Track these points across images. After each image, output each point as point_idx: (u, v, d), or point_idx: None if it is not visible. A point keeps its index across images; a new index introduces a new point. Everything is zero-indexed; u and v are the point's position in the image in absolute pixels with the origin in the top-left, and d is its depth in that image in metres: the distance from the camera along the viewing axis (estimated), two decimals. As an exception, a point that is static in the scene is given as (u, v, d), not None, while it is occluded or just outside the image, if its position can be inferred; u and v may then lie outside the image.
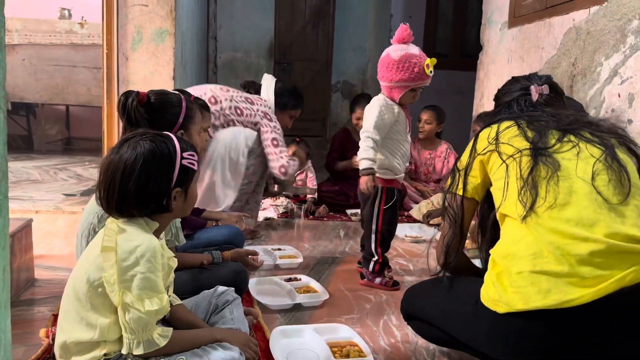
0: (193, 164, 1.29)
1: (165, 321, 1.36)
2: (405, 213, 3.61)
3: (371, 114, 2.10)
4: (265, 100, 2.94)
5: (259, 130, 2.81)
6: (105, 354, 1.23)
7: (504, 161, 1.30)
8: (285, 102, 3.00)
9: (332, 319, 1.83)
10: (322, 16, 6.63)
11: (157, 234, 1.29)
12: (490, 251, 1.28)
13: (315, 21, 6.71)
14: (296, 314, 1.89)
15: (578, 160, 1.24)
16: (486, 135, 1.40)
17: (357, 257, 2.59)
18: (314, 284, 2.10)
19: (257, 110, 2.84)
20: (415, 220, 3.42)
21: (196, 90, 2.68)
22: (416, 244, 2.90)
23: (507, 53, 3.61)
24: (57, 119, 5.86)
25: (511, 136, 1.34)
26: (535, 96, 1.49)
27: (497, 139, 1.36)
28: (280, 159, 2.78)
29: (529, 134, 1.32)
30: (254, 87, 3.04)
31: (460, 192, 1.43)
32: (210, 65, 6.46)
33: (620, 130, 1.34)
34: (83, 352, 1.23)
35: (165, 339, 1.22)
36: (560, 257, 1.12)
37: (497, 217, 1.32)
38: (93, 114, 5.35)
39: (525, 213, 1.19)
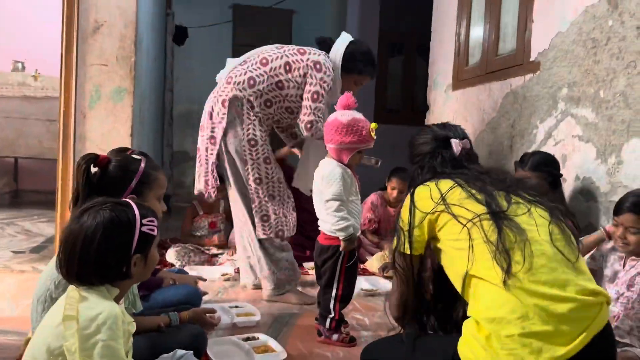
0: (152, 230, 1.33)
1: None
2: (361, 265, 3.68)
3: (335, 180, 2.18)
4: (326, 55, 2.74)
5: (304, 82, 2.67)
6: None
7: (464, 225, 1.37)
8: (352, 66, 2.75)
9: (290, 378, 1.85)
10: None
11: (117, 300, 1.32)
12: (471, 313, 1.34)
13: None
14: (255, 374, 1.90)
15: (535, 220, 1.36)
16: (428, 195, 1.47)
17: (315, 313, 2.62)
18: (272, 343, 2.12)
19: (307, 59, 2.68)
20: (370, 273, 3.49)
21: (253, 53, 2.78)
22: (371, 297, 2.96)
23: (451, 113, 3.85)
24: (5, 171, 5.70)
25: (461, 198, 1.43)
26: (457, 150, 1.59)
27: (444, 199, 1.44)
28: (312, 114, 2.64)
29: (479, 196, 1.41)
30: (327, 44, 2.81)
31: (407, 252, 1.51)
32: (166, 117, 6.50)
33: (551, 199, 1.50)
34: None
35: None
36: (545, 318, 1.22)
37: (461, 278, 1.38)
38: (43, 166, 5.25)
39: (505, 278, 1.27)
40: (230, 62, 2.91)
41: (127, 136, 3.28)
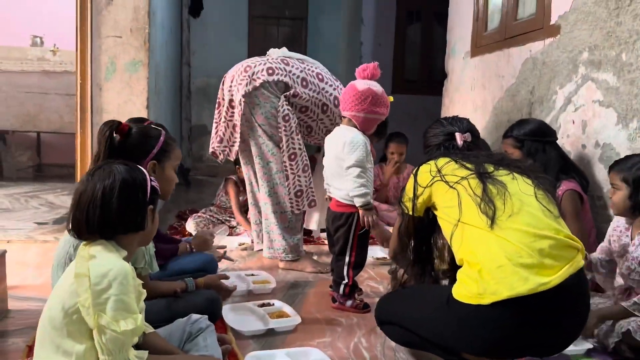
0: (158, 187, 1.42)
1: (139, 348, 1.40)
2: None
3: (359, 147, 2.17)
4: None
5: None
6: (82, 382, 1.27)
7: (451, 186, 1.57)
8: None
9: (304, 343, 1.89)
10: (294, 43, 6.78)
11: (126, 260, 1.35)
12: (462, 256, 1.50)
13: (288, 48, 6.85)
14: (269, 339, 1.94)
15: (518, 182, 1.53)
16: (428, 169, 1.68)
17: (329, 281, 2.65)
18: (287, 309, 2.16)
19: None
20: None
21: (309, 60, 2.86)
22: (386, 265, 2.97)
23: (469, 81, 3.78)
24: (28, 146, 5.82)
25: (453, 168, 1.62)
26: (460, 142, 1.81)
27: (439, 171, 1.63)
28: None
29: (468, 165, 1.60)
30: None
31: (410, 213, 1.72)
32: (184, 91, 6.53)
33: (540, 173, 1.64)
34: (60, 381, 1.27)
35: None
36: (529, 252, 1.38)
37: (452, 228, 1.54)
38: (65, 140, 5.34)
39: (491, 222, 1.44)
40: (285, 51, 2.91)
41: (143, 108, 3.31)
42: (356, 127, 2.24)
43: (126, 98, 3.28)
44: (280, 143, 2.74)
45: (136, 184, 1.35)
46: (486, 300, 1.37)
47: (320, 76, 2.85)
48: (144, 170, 1.40)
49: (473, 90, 3.72)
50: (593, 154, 2.50)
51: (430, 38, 6.14)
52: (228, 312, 2.08)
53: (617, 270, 2.06)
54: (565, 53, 2.72)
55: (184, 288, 1.89)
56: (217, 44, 6.70)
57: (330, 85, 2.88)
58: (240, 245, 3.29)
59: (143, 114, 3.27)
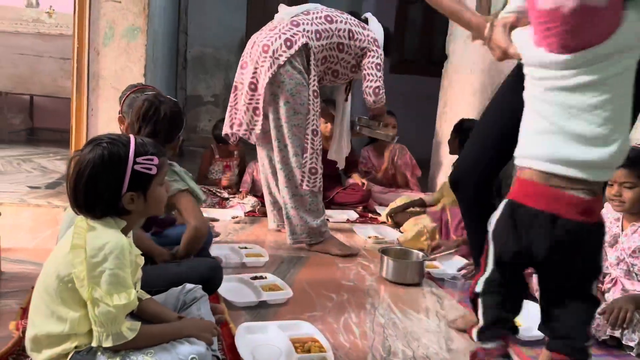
0: (150, 169, 1.33)
1: (134, 316, 1.42)
2: (369, 215, 3.72)
3: None
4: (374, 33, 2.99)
5: (363, 55, 2.88)
6: (76, 347, 1.28)
7: None
8: (385, 49, 3.03)
9: (295, 316, 1.91)
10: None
11: (125, 231, 1.35)
12: None
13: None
14: (261, 310, 1.96)
15: None
16: None
17: (323, 258, 2.68)
18: (279, 282, 2.18)
19: (368, 35, 2.90)
20: (379, 222, 3.53)
21: (312, 7, 2.80)
22: (378, 244, 3.00)
23: (469, 64, 3.76)
24: (20, 109, 5.75)
25: None
26: None
27: None
28: (378, 81, 2.90)
29: None
30: (359, 18, 3.05)
31: None
32: (180, 60, 6.44)
33: None
34: (54, 345, 1.28)
35: (133, 332, 1.29)
36: None
37: None
38: (59, 104, 5.28)
39: None
40: (286, 8, 2.84)
41: (140, 75, 3.27)
42: None
43: (123, 65, 3.24)
44: (301, 124, 2.70)
45: (107, 171, 1.28)
46: None
47: (328, 18, 2.80)
48: (129, 153, 1.30)
49: (473, 74, 3.71)
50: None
51: (432, 19, 6.09)
52: (221, 284, 2.10)
53: (606, 261, 2.09)
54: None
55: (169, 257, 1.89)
56: (214, 14, 6.59)
57: (341, 22, 2.83)
58: (233, 218, 3.30)
59: (140, 81, 3.23)
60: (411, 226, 3.06)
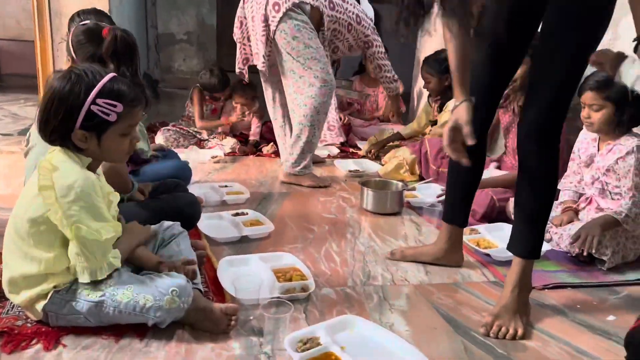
0: (108, 114, 1.27)
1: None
2: (350, 149, 3.72)
3: None
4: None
5: (367, 43, 3.09)
6: (54, 286, 1.29)
7: None
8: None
9: (277, 248, 1.93)
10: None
11: (92, 169, 1.33)
12: None
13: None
14: (243, 245, 1.98)
15: None
16: None
17: (304, 192, 2.69)
18: (261, 218, 2.19)
19: (370, 24, 3.06)
20: (360, 156, 3.53)
21: None
22: (358, 177, 3.01)
23: None
24: (-15, 55, 5.51)
25: None
26: None
27: None
28: (391, 69, 3.32)
29: None
30: None
31: None
32: (149, -4, 6.15)
33: None
34: (32, 286, 1.29)
35: (118, 259, 1.31)
36: None
37: None
38: (26, 49, 5.05)
39: None
40: None
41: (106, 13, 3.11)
42: None
43: (86, 1, 3.08)
44: (315, 56, 2.69)
45: (61, 103, 1.24)
46: None
47: None
48: (91, 91, 1.25)
49: None
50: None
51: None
52: (203, 221, 2.09)
53: (582, 181, 2.13)
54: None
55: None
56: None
57: (351, 4, 2.94)
58: (212, 157, 3.27)
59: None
60: (391, 158, 3.09)
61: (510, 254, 1.90)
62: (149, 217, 1.63)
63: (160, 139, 3.48)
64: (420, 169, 2.98)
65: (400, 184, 2.60)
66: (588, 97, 1.95)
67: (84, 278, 1.26)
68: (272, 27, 2.66)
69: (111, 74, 1.30)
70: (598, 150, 2.04)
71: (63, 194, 1.22)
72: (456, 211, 1.81)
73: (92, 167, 1.32)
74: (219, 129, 3.65)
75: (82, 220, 1.23)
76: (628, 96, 1.82)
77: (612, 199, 2.00)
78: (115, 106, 1.27)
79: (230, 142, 3.52)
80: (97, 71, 1.29)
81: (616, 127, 1.94)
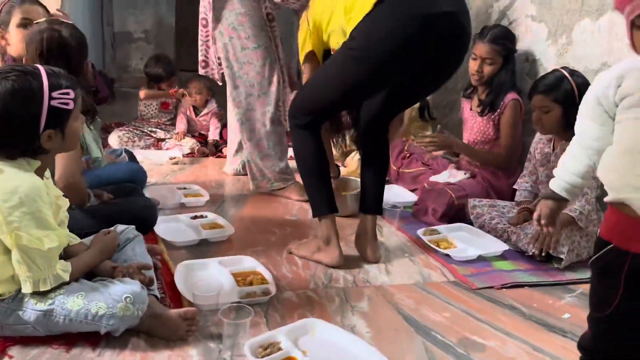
0: (67, 103, 1.23)
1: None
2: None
3: None
4: None
5: None
6: (0, 295, 1.22)
7: None
8: None
9: (237, 252, 1.90)
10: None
11: (40, 172, 1.27)
12: None
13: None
14: (202, 249, 1.93)
15: None
16: None
17: (266, 196, 2.64)
18: (220, 221, 2.14)
19: None
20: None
21: None
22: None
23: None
24: None
25: None
26: None
27: None
28: None
29: None
30: None
31: None
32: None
33: None
34: (-26, 294, 1.22)
35: (67, 273, 1.25)
36: None
37: None
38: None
39: None
40: None
41: (56, 11, 2.99)
42: None
43: (36, -4, 2.94)
44: (252, 61, 2.49)
45: (21, 107, 1.17)
46: None
47: None
48: (43, 87, 1.19)
49: None
50: (522, 69, 2.56)
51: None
52: (159, 224, 2.03)
53: (538, 181, 2.18)
54: (503, -35, 2.69)
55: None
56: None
57: None
58: (171, 159, 3.19)
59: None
60: (352, 160, 3.08)
61: (469, 253, 1.94)
62: (101, 223, 1.56)
63: (113, 138, 3.38)
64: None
65: (358, 180, 2.56)
66: (537, 100, 2.01)
67: (26, 288, 1.20)
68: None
69: (39, 66, 1.25)
70: (553, 149, 2.10)
71: (5, 199, 1.15)
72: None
73: (40, 170, 1.26)
74: (177, 130, 3.56)
75: (24, 227, 1.16)
76: (575, 97, 1.89)
77: None
78: (68, 93, 1.24)
79: (189, 143, 3.44)
80: (23, 67, 1.23)
81: (567, 128, 2.00)
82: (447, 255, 1.97)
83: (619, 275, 0.95)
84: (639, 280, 0.94)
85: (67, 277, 1.24)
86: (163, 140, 3.52)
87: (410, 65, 1.71)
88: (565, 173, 1.12)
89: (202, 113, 3.62)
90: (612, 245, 0.97)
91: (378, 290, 1.70)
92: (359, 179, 2.54)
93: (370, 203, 1.95)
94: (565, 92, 1.94)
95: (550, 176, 2.04)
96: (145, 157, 3.04)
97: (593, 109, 1.03)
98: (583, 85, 1.91)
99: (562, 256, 1.90)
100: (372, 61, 1.65)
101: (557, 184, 1.14)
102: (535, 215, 1.21)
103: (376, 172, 1.97)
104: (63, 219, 1.34)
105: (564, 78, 1.97)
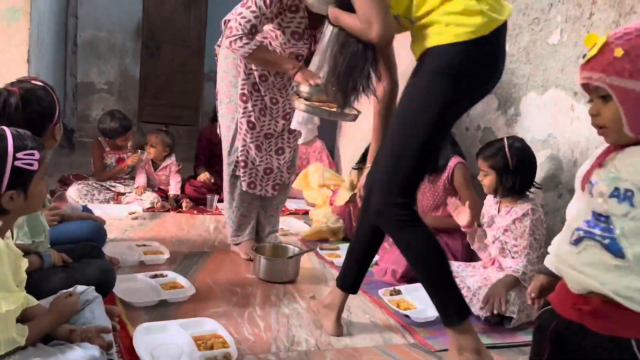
0: (31, 164, 1.25)
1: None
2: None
3: None
4: None
5: None
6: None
7: None
8: None
9: (198, 313, 1.87)
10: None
11: (1, 233, 1.25)
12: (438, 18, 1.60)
13: (187, 3, 6.56)
14: (161, 309, 1.90)
15: None
16: None
17: (227, 252, 2.63)
18: (181, 280, 2.12)
19: None
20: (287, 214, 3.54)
21: None
22: (283, 236, 3.01)
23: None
24: None
25: None
26: None
27: None
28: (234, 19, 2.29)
29: None
30: None
31: None
32: (69, 45, 5.99)
33: None
34: None
35: (23, 337, 1.22)
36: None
37: None
38: None
39: None
40: None
41: (24, 62, 3.00)
42: None
43: (3, 49, 2.95)
44: (224, 114, 2.52)
45: None
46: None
47: None
48: (7, 148, 1.20)
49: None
50: (475, 136, 2.72)
51: None
52: (118, 284, 1.99)
53: (485, 240, 2.28)
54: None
55: (39, 265, 1.66)
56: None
57: None
58: (130, 213, 3.15)
59: (23, 68, 2.97)
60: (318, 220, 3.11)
61: (428, 314, 1.98)
62: (59, 286, 1.53)
63: (72, 191, 3.31)
64: (345, 229, 3.04)
65: (296, 249, 2.45)
66: (479, 163, 2.18)
67: None
68: None
69: (4, 127, 1.26)
70: (498, 211, 2.21)
71: None
72: (347, 276, 1.87)
73: (1, 231, 1.24)
74: (136, 184, 3.53)
75: None
76: (509, 166, 2.04)
77: (512, 257, 2.14)
78: (33, 154, 1.25)
79: (149, 197, 3.41)
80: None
81: (504, 192, 2.13)
82: (407, 316, 2.00)
83: (547, 333, 1.08)
84: (561, 341, 1.06)
85: (22, 342, 1.21)
86: (123, 194, 3.48)
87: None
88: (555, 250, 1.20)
89: (160, 167, 3.62)
90: (550, 307, 1.09)
91: (340, 354, 1.71)
92: (296, 247, 2.47)
93: (352, 282, 1.86)
94: (500, 161, 2.10)
95: (495, 237, 2.17)
96: (104, 212, 2.99)
97: (577, 189, 1.14)
98: (522, 155, 2.10)
99: (513, 315, 1.97)
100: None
101: (549, 261, 1.23)
102: (529, 289, 1.29)
103: (367, 253, 1.84)
104: (22, 279, 1.31)
105: (503, 148, 2.12)
